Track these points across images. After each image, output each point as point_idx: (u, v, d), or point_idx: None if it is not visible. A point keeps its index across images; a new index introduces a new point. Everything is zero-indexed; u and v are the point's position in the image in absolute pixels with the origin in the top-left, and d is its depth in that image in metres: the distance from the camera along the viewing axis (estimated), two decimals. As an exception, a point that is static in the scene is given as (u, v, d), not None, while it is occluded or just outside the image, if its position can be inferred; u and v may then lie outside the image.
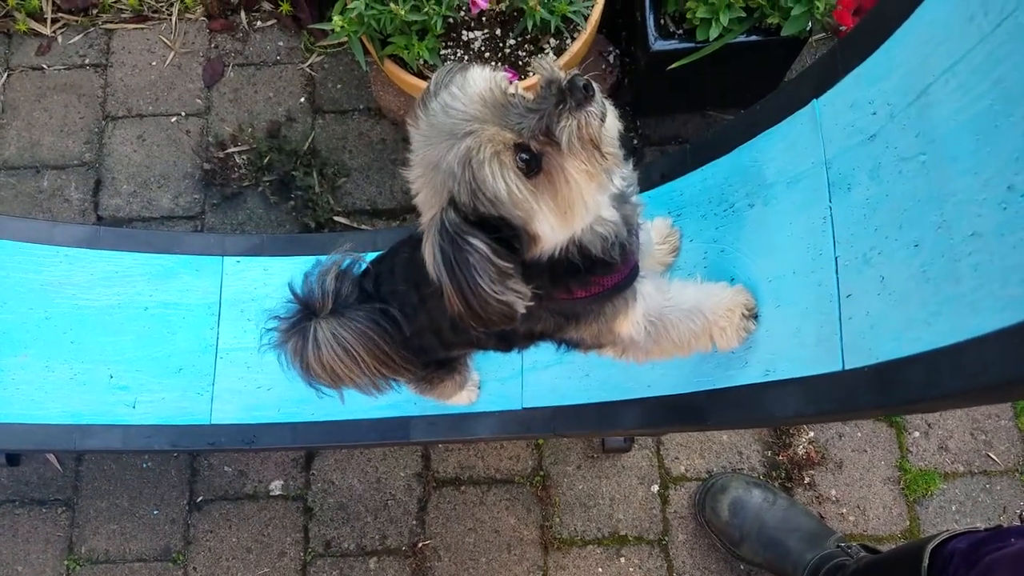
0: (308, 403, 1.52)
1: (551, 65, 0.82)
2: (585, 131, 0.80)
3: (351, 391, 1.18)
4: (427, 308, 1.13)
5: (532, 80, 1.64)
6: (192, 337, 1.65)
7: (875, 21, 0.91)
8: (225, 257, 1.71)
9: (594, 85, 0.81)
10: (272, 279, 1.68)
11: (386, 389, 1.18)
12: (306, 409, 1.58)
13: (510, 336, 1.14)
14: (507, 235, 0.82)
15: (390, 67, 1.75)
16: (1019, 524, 1.38)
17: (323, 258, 1.16)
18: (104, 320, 1.64)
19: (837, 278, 0.94)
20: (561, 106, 0.79)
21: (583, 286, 0.97)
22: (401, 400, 1.50)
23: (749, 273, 1.11)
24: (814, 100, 1.01)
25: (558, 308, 1.01)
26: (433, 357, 1.26)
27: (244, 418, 1.58)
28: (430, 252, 0.82)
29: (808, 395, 0.95)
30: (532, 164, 0.80)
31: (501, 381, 1.55)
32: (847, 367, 0.90)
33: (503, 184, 0.78)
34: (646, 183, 1.33)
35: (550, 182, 0.81)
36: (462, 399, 1.52)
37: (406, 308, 1.14)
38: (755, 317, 1.07)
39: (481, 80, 0.83)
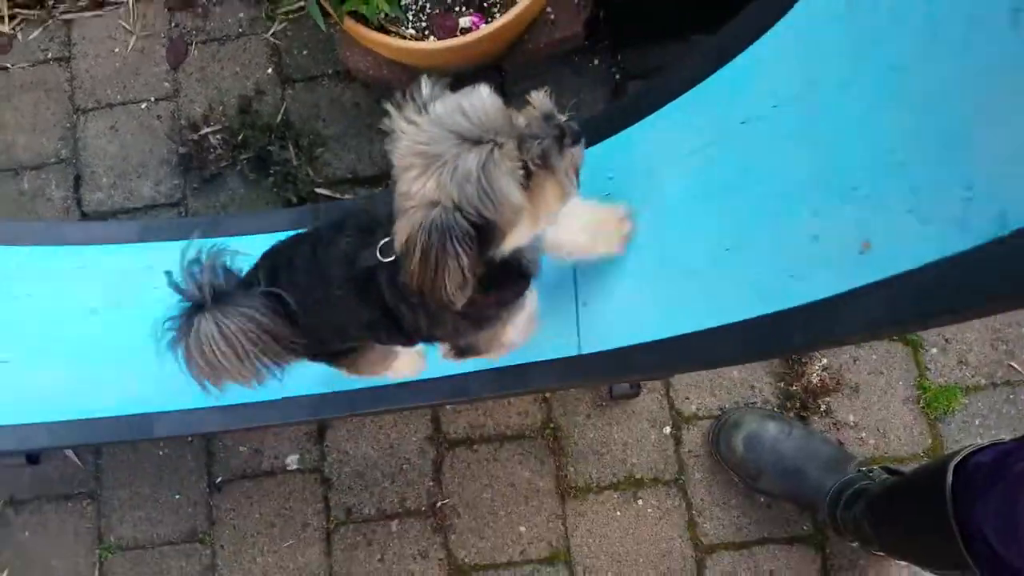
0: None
1: (549, 102, 1.00)
2: (573, 164, 1.01)
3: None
4: (333, 307, 1.17)
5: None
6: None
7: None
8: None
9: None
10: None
11: (266, 378, 1.15)
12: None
13: (412, 334, 1.24)
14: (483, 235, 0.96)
15: (351, 25, 1.68)
16: None
17: (191, 248, 1.11)
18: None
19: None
20: (562, 142, 0.98)
21: (509, 289, 1.15)
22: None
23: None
24: None
25: (470, 312, 1.10)
26: (329, 348, 1.31)
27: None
28: (409, 234, 0.92)
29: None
30: (525, 180, 0.96)
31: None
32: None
33: (515, 195, 0.93)
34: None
35: (531, 197, 0.97)
36: (404, 368, 1.48)
37: (307, 300, 1.15)
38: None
39: (493, 98, 0.95)
